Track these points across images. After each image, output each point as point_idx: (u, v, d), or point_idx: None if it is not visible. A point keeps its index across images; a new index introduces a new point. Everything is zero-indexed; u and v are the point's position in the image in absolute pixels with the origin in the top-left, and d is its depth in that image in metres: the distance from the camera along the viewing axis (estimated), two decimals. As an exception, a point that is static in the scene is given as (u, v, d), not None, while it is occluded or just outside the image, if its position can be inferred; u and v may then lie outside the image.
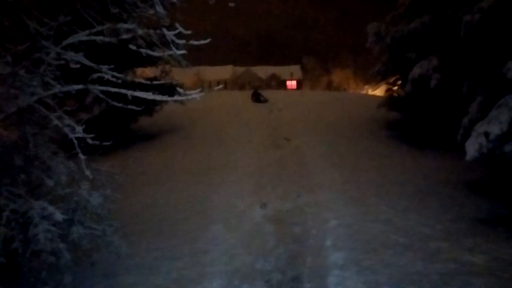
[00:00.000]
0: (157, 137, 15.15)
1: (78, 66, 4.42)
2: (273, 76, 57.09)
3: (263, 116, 18.71)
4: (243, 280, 5.17)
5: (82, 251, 5.10)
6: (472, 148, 6.64)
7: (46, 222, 4.21)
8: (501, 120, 6.30)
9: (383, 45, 13.32)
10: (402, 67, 12.72)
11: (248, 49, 67.09)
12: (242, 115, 18.82)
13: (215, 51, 51.41)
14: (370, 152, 11.61)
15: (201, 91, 4.41)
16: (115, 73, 4.46)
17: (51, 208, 4.29)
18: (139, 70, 14.89)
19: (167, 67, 13.78)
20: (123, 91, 4.45)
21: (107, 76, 4.47)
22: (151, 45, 4.55)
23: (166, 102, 6.42)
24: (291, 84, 57.75)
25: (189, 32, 4.04)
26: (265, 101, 24.31)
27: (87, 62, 4.42)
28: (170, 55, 4.34)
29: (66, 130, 4.38)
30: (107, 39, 4.45)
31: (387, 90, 16.42)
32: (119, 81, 4.47)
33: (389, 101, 14.78)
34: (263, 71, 56.81)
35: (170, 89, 9.00)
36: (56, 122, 4.40)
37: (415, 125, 13.38)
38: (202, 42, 4.18)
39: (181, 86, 11.17)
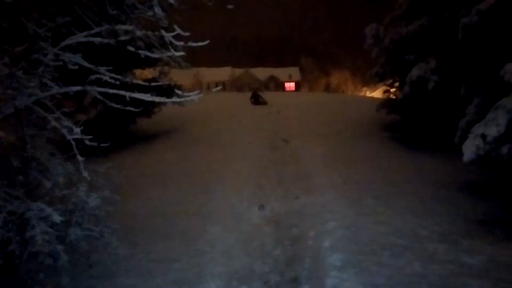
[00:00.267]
0: (155, 138, 15.11)
1: (76, 67, 4.43)
2: (272, 78, 57.18)
3: (262, 117, 18.71)
4: (241, 281, 5.17)
5: (80, 252, 5.10)
6: (469, 150, 6.68)
7: (43, 224, 4.21)
8: (498, 122, 6.34)
9: (381, 47, 13.34)
10: (400, 69, 12.74)
11: (247, 50, 67.14)
12: (241, 117, 18.81)
13: (213, 52, 51.38)
14: (368, 153, 11.62)
15: (199, 93, 4.42)
16: (113, 75, 4.47)
17: (48, 210, 4.29)
18: (138, 72, 14.86)
19: (166, 68, 13.77)
20: (122, 92, 4.46)
21: (105, 78, 4.48)
22: (149, 47, 4.56)
23: (164, 103, 6.43)
24: (290, 86, 57.79)
25: (187, 33, 4.05)
26: (264, 103, 24.19)
27: (85, 63, 4.43)
28: (169, 57, 4.34)
29: (64, 131, 4.38)
30: (105, 41, 4.46)
31: (385, 92, 16.47)
32: (118, 82, 4.47)
33: (387, 103, 14.80)
34: (261, 73, 56.89)
35: (168, 91, 8.98)
36: (54, 123, 4.39)
37: (413, 127, 13.42)
38: (201, 44, 4.19)
39: (180, 88, 11.27)
